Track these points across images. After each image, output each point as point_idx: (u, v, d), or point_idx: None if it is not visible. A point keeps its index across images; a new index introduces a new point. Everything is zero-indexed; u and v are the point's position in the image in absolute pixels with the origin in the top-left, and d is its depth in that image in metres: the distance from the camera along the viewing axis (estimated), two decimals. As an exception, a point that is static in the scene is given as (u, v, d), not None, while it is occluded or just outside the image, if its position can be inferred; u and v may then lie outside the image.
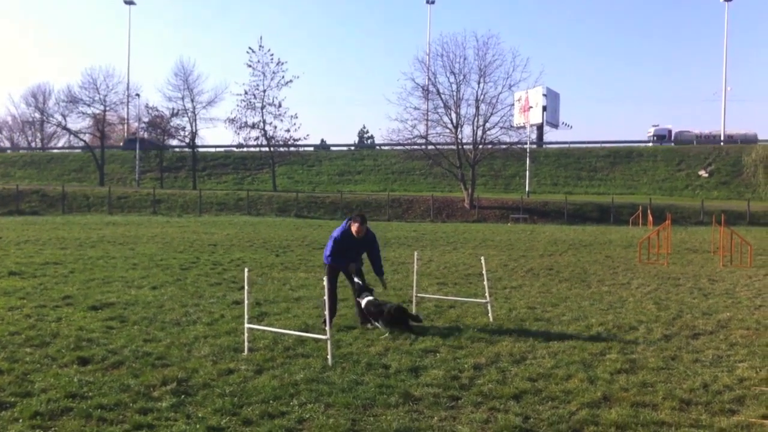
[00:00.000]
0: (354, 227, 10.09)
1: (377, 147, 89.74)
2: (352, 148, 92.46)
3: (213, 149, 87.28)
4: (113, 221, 39.87)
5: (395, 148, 74.71)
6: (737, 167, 72.34)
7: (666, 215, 27.01)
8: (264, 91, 68.25)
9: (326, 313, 8.24)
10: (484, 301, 11.17)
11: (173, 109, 73.80)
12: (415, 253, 12.32)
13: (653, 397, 6.79)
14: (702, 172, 73.16)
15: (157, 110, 75.25)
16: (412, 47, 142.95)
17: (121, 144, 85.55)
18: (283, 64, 68.23)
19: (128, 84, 78.28)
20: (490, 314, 10.80)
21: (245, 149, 78.58)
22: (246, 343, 8.41)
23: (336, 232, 10.15)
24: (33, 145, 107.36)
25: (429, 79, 59.68)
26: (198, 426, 5.85)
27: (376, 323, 9.70)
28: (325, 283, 8.77)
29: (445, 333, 9.61)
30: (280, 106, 68.86)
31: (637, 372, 7.71)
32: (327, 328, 8.00)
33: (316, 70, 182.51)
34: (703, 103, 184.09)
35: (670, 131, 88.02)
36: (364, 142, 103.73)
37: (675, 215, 42.03)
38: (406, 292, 13.02)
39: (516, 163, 69.17)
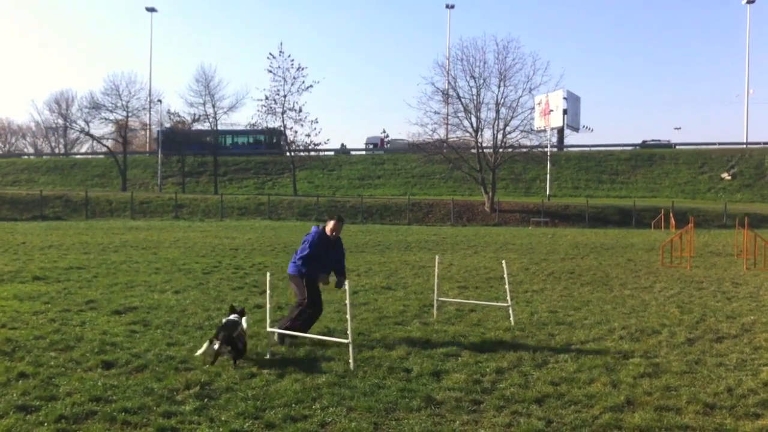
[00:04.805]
0: (330, 225, 9.49)
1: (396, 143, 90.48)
2: (372, 152, 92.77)
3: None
4: (136, 226, 40.16)
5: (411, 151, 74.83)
6: (760, 170, 71.69)
7: (689, 218, 26.80)
8: (284, 96, 68.45)
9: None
10: (505, 304, 11.14)
11: (195, 114, 74.52)
12: (436, 257, 12.32)
13: (677, 401, 6.75)
14: (725, 175, 72.48)
15: (179, 116, 75.97)
16: (432, 51, 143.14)
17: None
18: (303, 69, 68.42)
19: (150, 90, 79.22)
20: (511, 318, 10.77)
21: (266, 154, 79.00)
22: (269, 347, 8.45)
23: (311, 237, 9.41)
24: (56, 150, 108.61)
25: (449, 83, 59.65)
26: (221, 429, 5.88)
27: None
28: (304, 294, 9.10)
29: (466, 337, 9.60)
30: (300, 111, 69.05)
31: (660, 376, 7.66)
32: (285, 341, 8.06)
33: (336, 75, 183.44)
34: (726, 105, 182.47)
35: (382, 140, 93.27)
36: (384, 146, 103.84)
37: (698, 218, 41.66)
38: (428, 295, 13.02)
39: (537, 167, 68.84)
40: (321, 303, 9.54)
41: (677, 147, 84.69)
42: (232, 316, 8.50)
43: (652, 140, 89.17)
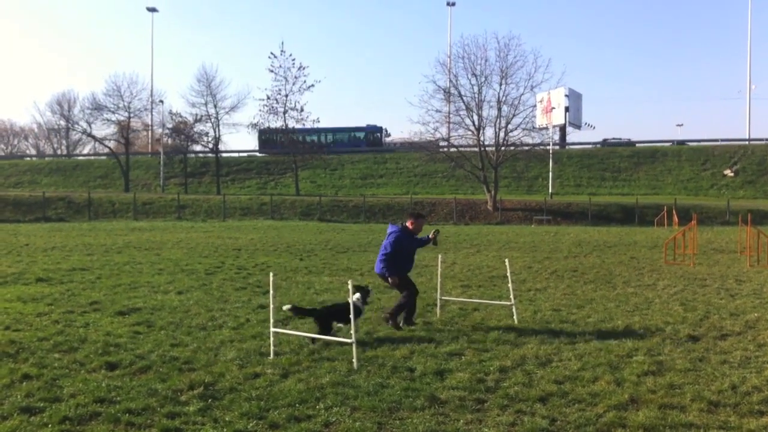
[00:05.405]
0: (417, 223, 10.52)
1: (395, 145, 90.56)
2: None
3: (236, 154, 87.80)
4: (139, 227, 40.21)
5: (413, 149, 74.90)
6: (763, 166, 71.62)
7: (691, 215, 26.77)
8: (286, 95, 68.50)
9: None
10: (508, 303, 11.13)
11: (196, 114, 74.62)
12: (439, 256, 12.31)
13: (681, 398, 6.74)
14: (727, 172, 72.40)
15: (181, 116, 76.05)
16: (433, 50, 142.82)
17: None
18: (304, 68, 68.43)
19: (152, 90, 79.42)
20: (515, 317, 10.76)
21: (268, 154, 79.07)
22: (272, 347, 8.45)
23: (393, 236, 10.28)
24: (59, 152, 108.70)
25: (450, 81, 59.58)
26: (225, 430, 5.89)
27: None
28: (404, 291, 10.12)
29: (470, 336, 9.59)
30: (302, 110, 69.13)
31: (664, 374, 7.64)
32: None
33: (337, 73, 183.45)
34: (728, 101, 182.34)
35: None
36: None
37: (700, 215, 41.64)
38: (431, 294, 13.00)
39: (539, 165, 68.75)
40: (413, 286, 10.49)
41: (681, 144, 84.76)
42: (356, 296, 9.36)
43: (613, 138, 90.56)
